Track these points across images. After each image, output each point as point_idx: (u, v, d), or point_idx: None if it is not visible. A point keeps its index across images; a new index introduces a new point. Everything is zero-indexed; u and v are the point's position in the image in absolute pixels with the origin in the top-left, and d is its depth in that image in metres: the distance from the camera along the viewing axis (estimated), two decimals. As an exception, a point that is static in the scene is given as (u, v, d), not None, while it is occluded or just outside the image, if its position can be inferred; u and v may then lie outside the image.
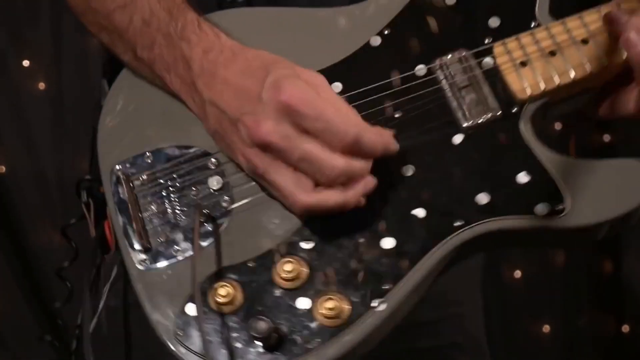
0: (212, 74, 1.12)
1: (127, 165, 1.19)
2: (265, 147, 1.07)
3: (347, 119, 1.07)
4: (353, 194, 1.09)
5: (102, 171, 1.20)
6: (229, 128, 1.11)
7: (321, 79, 1.10)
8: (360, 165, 1.08)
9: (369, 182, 1.09)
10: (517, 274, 2.63)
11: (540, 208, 1.11)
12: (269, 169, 1.08)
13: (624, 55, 1.15)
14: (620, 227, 1.14)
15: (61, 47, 2.71)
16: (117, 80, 1.24)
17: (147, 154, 1.18)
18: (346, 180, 1.07)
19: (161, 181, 1.17)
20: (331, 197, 1.08)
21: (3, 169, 2.65)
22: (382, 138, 1.09)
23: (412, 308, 1.14)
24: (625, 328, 2.70)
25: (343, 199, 1.08)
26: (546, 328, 2.66)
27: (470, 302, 1.53)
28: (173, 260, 1.14)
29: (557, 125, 2.60)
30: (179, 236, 1.15)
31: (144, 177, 1.18)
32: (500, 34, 1.19)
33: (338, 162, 1.06)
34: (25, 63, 2.62)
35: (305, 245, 1.13)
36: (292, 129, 1.06)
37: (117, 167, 1.19)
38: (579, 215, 1.11)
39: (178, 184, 1.17)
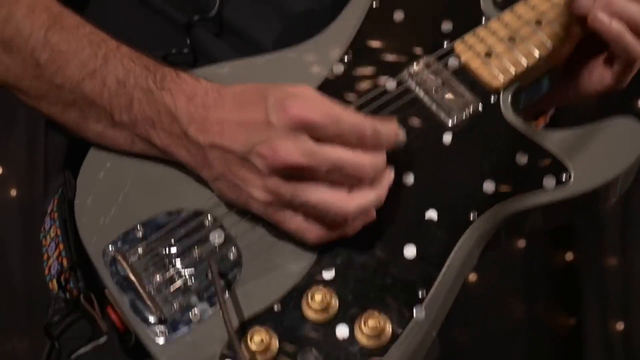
0: (204, 118, 1.08)
1: (119, 243, 1.11)
2: (289, 170, 1.02)
3: (357, 117, 1.05)
4: (382, 188, 1.07)
5: (91, 257, 1.12)
6: (238, 166, 1.06)
7: (311, 89, 1.07)
8: (381, 157, 1.06)
9: (390, 174, 1.08)
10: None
11: (547, 181, 1.11)
12: (298, 191, 1.03)
13: (578, 27, 1.19)
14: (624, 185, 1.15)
15: (35, 154, 2.76)
16: (85, 163, 1.17)
17: (138, 227, 1.12)
18: (374, 175, 1.05)
19: (160, 250, 1.10)
20: (368, 196, 1.05)
21: (-31, 274, 2.62)
22: (391, 126, 1.07)
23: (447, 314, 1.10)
24: None
25: (377, 195, 1.06)
26: None
27: None
28: (193, 325, 1.07)
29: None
30: (193, 299, 1.08)
31: (140, 250, 1.11)
32: (455, 35, 1.21)
33: (365, 159, 1.04)
34: (-2, 170, 2.64)
35: (327, 274, 1.08)
36: (310, 142, 1.03)
37: (110, 247, 1.11)
38: (585, 179, 1.11)
39: (178, 249, 1.10)
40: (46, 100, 1.18)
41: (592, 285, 2.71)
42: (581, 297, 2.71)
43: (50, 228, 1.19)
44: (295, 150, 1.02)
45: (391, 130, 1.07)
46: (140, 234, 1.12)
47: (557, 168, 1.11)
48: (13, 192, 2.87)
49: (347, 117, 1.05)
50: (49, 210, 1.21)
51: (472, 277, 1.17)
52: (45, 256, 1.20)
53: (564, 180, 1.11)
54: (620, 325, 2.74)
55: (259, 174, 1.05)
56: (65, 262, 1.14)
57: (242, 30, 1.28)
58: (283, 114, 1.03)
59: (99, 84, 1.13)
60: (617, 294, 2.73)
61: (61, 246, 1.16)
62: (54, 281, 1.15)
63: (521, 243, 2.73)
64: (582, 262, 2.76)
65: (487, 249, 1.11)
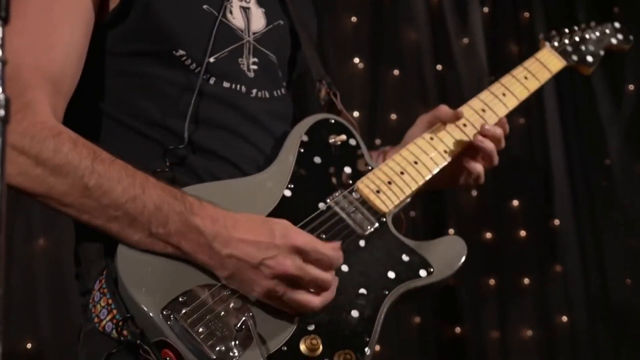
0: (227, 236, 1.60)
1: (171, 307, 1.59)
2: (285, 277, 1.60)
3: (328, 249, 1.66)
4: (330, 293, 1.68)
5: (152, 315, 1.57)
6: (249, 271, 1.60)
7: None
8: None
9: (336, 280, 1.71)
10: None
11: (422, 272, 1.83)
12: (287, 291, 1.62)
13: (434, 169, 1.95)
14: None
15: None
16: (124, 275, 1.62)
17: (180, 297, 1.61)
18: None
19: (200, 311, 1.61)
20: (328, 295, 1.67)
21: None
22: (339, 252, 1.70)
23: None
24: None
25: (331, 292, 1.68)
26: None
27: None
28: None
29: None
30: (231, 343, 1.60)
31: (184, 312, 1.60)
32: (355, 175, 1.90)
33: (328, 277, 1.66)
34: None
35: (310, 327, 1.67)
36: (301, 261, 1.62)
37: (166, 309, 1.59)
38: (440, 272, 1.84)
39: (212, 310, 1.62)
40: (89, 214, 1.62)
41: (477, 354, 3.55)
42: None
43: (100, 299, 1.64)
44: (292, 265, 1.61)
45: (340, 257, 1.70)
46: (184, 300, 1.61)
47: (425, 265, 1.84)
48: (41, 242, 3.05)
49: (322, 248, 1.65)
50: (97, 288, 1.65)
51: (376, 347, 1.79)
52: (97, 319, 1.64)
53: (429, 271, 1.83)
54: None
55: (264, 277, 1.61)
56: (119, 322, 1.60)
57: (214, 151, 1.81)
58: (287, 240, 1.62)
59: (140, 206, 1.61)
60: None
61: (114, 312, 1.61)
62: (114, 332, 1.60)
63: (417, 319, 3.41)
64: (468, 335, 3.56)
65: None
